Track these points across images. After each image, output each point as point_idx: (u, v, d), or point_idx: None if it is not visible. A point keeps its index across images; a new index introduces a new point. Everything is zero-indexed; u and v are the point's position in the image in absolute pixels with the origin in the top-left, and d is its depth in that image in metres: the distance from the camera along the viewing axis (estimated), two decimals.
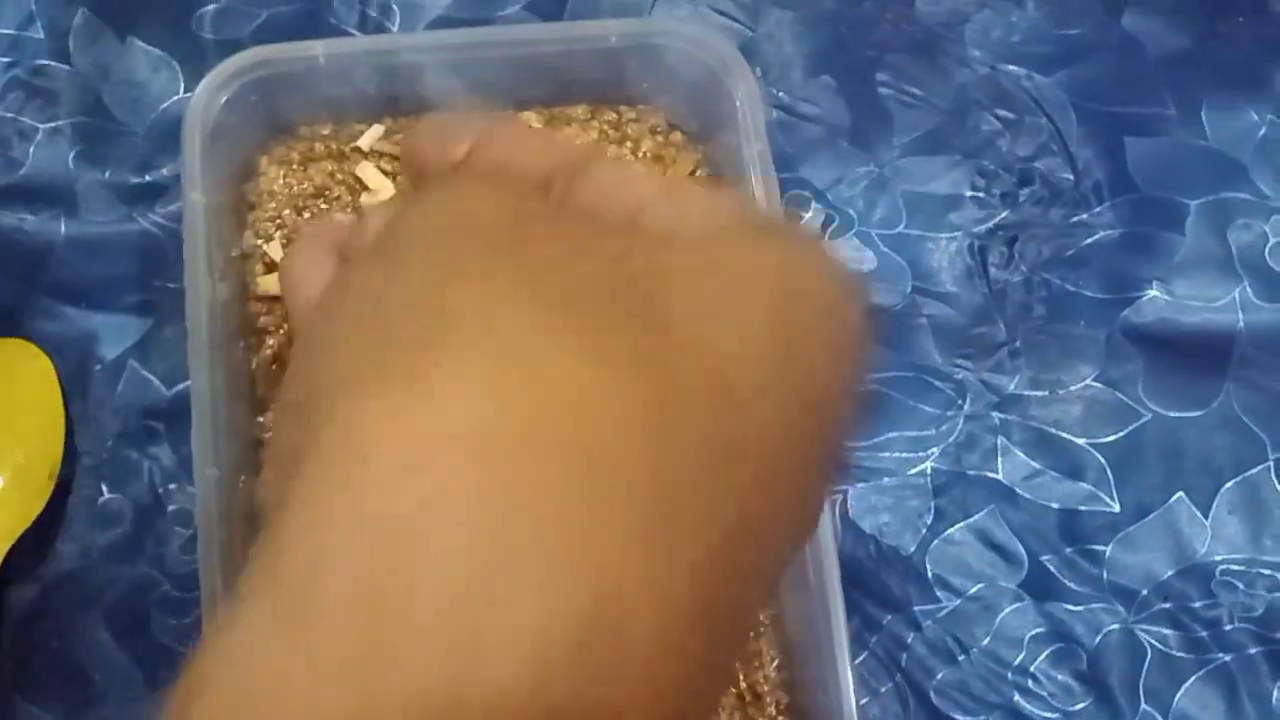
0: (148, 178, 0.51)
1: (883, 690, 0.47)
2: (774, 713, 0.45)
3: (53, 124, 0.52)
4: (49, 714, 0.45)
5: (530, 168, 0.23)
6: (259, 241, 0.48)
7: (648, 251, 0.20)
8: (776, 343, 0.20)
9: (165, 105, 0.53)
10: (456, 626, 0.16)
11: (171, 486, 0.48)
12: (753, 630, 0.22)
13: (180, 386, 0.49)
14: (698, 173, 0.50)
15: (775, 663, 0.45)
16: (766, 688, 0.45)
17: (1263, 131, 0.55)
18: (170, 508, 0.47)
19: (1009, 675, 0.47)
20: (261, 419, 0.46)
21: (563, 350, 0.18)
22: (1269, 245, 0.53)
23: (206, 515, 0.42)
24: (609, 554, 0.16)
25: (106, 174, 0.51)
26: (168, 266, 0.50)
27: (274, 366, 0.47)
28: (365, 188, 0.48)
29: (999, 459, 0.50)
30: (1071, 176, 0.54)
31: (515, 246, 0.20)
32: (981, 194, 0.53)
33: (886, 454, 0.50)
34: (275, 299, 0.47)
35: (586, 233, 0.21)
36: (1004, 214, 0.53)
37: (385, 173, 0.49)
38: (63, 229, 0.51)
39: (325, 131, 0.50)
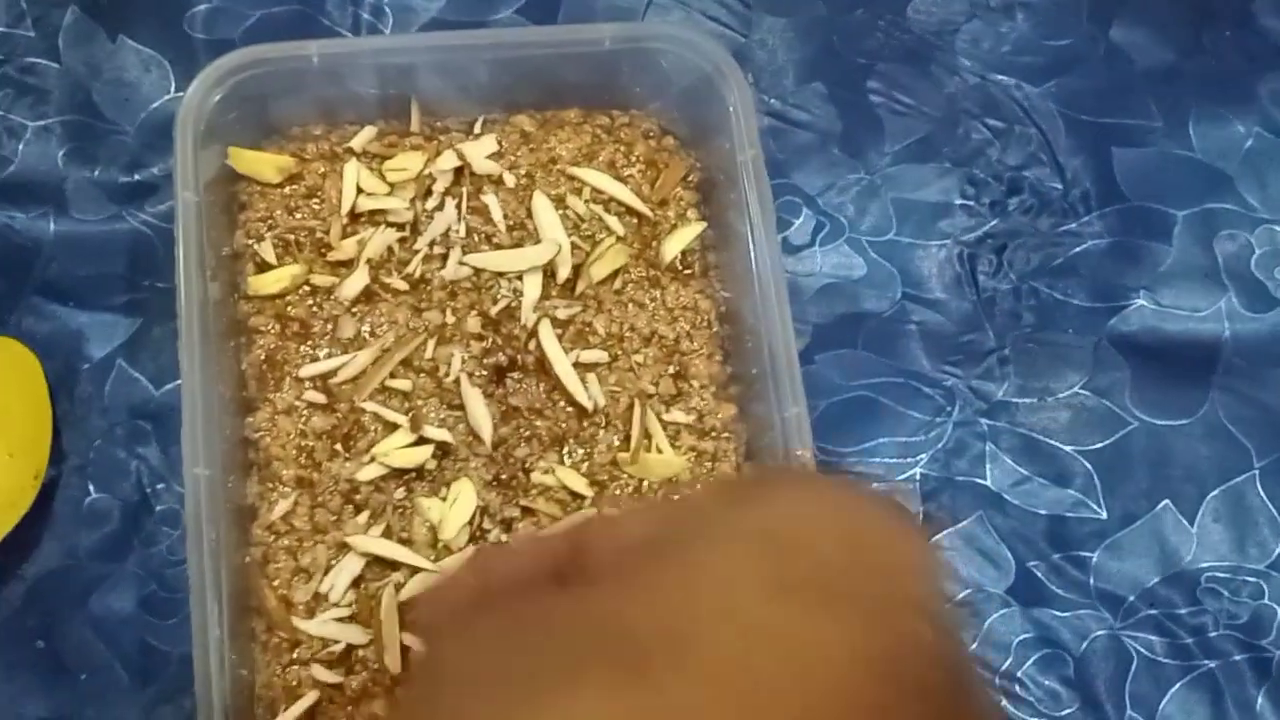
0: (137, 177, 0.51)
1: None
2: None
3: (42, 122, 0.52)
4: (34, 713, 0.45)
5: (522, 574, 0.26)
6: (250, 241, 0.48)
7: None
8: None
9: (155, 104, 0.52)
10: None
11: (159, 486, 0.47)
12: None
13: (169, 386, 0.48)
14: (690, 177, 0.50)
15: None
16: None
17: (1249, 143, 0.55)
18: (158, 508, 0.47)
19: (996, 680, 0.48)
20: (250, 419, 0.46)
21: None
22: (1255, 256, 0.54)
23: (195, 515, 0.42)
24: None
25: (96, 172, 0.51)
26: (157, 266, 0.50)
27: (264, 366, 0.46)
28: (360, 189, 0.48)
29: (987, 465, 0.50)
30: (1060, 186, 0.54)
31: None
32: (971, 202, 0.54)
33: (876, 459, 0.50)
34: (265, 299, 0.47)
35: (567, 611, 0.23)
36: (993, 222, 0.53)
37: (375, 173, 0.49)
38: (52, 227, 0.50)
39: (317, 132, 0.50)
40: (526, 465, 0.46)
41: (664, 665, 0.20)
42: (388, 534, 0.44)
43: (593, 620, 0.22)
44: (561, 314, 0.47)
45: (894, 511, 0.24)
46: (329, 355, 0.46)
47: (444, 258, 0.48)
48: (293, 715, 0.42)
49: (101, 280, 0.50)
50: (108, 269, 0.50)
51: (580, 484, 0.45)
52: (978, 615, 0.48)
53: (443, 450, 0.45)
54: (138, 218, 0.51)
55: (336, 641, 0.43)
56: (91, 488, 0.47)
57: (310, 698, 0.42)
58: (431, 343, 0.46)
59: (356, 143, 0.49)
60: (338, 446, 0.45)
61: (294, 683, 0.43)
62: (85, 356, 0.49)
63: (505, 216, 0.48)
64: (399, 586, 0.43)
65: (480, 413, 0.45)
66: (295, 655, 0.43)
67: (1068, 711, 0.47)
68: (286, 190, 0.49)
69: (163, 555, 0.47)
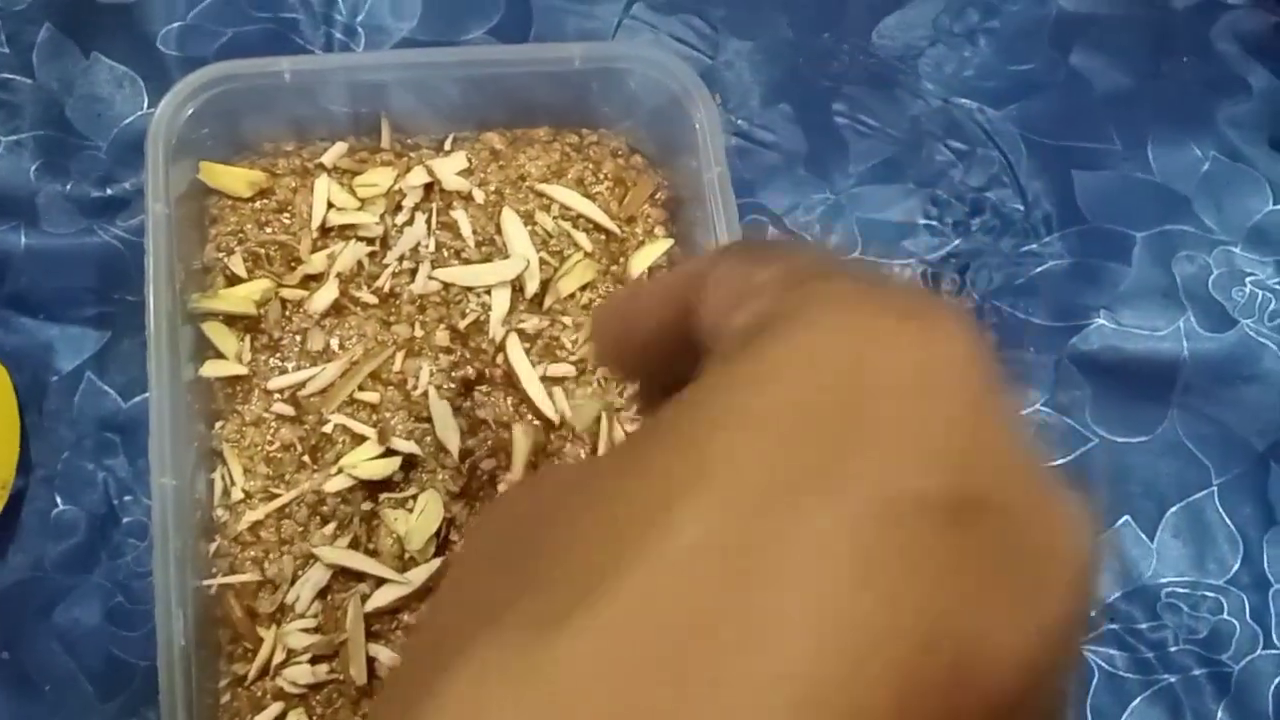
0: (109, 191, 0.52)
1: None
2: None
3: (14, 136, 0.52)
4: None
5: None
6: (220, 255, 0.48)
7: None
8: None
9: (128, 120, 0.53)
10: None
11: (127, 498, 0.47)
12: None
13: (137, 399, 0.48)
14: (657, 195, 0.51)
15: None
16: None
17: (1206, 167, 0.56)
18: (125, 519, 0.47)
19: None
20: (218, 430, 0.46)
21: None
22: (1212, 277, 0.55)
23: (162, 526, 0.42)
24: None
25: (68, 187, 0.51)
26: (127, 279, 0.50)
27: (232, 378, 0.47)
28: (330, 204, 0.48)
29: None
30: (1021, 207, 0.55)
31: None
32: (935, 222, 0.54)
33: None
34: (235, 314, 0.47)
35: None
36: (956, 242, 0.54)
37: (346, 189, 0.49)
38: (22, 240, 0.51)
39: (289, 148, 0.50)
40: (494, 478, 0.46)
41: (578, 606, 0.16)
42: (354, 545, 0.44)
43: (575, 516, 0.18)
44: (529, 328, 0.48)
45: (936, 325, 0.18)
46: (298, 368, 0.47)
47: (413, 272, 0.48)
48: None
49: (71, 293, 0.50)
50: (78, 282, 0.50)
51: None
52: None
53: (410, 462, 0.46)
54: (109, 231, 0.51)
55: (302, 652, 0.43)
56: (59, 499, 0.47)
57: (275, 709, 0.42)
58: (400, 356, 0.47)
59: (327, 158, 0.50)
60: (305, 458, 0.45)
61: (259, 694, 0.43)
62: (54, 369, 0.49)
63: (474, 232, 0.49)
64: (365, 597, 0.43)
65: (448, 425, 0.46)
66: (261, 666, 0.43)
67: None
68: (257, 205, 0.49)
69: (129, 567, 0.47)
